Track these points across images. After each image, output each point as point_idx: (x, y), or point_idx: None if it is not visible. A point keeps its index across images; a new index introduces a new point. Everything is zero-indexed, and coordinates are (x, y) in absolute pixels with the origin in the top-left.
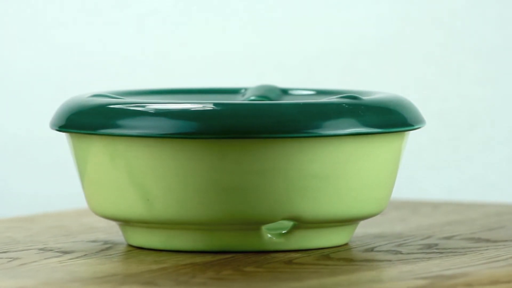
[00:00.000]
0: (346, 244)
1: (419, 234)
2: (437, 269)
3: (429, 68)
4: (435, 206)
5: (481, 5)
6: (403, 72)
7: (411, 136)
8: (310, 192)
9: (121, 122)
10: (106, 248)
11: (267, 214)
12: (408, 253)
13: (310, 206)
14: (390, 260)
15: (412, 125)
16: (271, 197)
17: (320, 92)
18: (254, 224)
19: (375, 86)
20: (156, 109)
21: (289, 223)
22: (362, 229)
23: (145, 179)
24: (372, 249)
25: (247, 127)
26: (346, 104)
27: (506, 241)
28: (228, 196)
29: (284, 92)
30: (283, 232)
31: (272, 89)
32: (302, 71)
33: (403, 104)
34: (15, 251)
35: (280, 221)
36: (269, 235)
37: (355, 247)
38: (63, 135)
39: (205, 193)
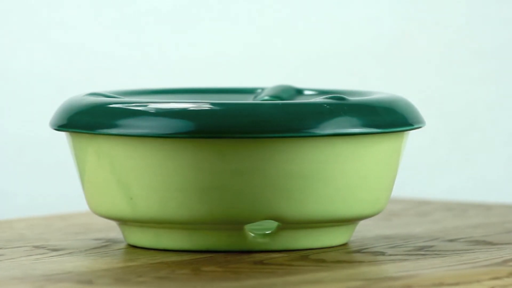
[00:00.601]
0: (344, 245)
1: (427, 236)
2: (393, 270)
3: (429, 68)
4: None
5: (481, 5)
6: (403, 72)
7: (411, 136)
8: (291, 192)
9: (103, 121)
10: (100, 246)
11: (247, 214)
12: (391, 255)
13: (291, 206)
14: (362, 262)
15: (411, 125)
16: (250, 197)
17: (331, 93)
18: (235, 224)
19: (375, 86)
20: (135, 109)
21: (273, 224)
22: (383, 229)
23: (128, 178)
24: (359, 251)
25: (224, 127)
26: (327, 104)
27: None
28: (208, 196)
29: (299, 92)
30: (267, 232)
31: (286, 89)
32: (302, 71)
33: (402, 104)
34: (10, 248)
35: (263, 221)
36: (252, 235)
37: (346, 248)
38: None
39: (185, 192)
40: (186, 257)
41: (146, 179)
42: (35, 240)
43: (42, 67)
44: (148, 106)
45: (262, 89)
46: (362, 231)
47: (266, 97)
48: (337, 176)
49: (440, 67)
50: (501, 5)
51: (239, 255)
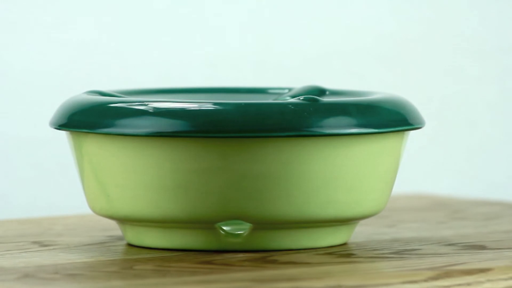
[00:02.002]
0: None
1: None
2: (335, 271)
3: (429, 68)
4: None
5: (481, 6)
6: (403, 72)
7: (411, 136)
8: (254, 192)
9: (83, 119)
10: (97, 242)
11: (210, 213)
12: (361, 257)
13: (258, 206)
14: (317, 263)
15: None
16: (213, 196)
17: (355, 94)
18: (201, 223)
19: (376, 86)
20: (108, 107)
21: (245, 224)
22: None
23: (103, 176)
24: (331, 253)
25: (185, 126)
26: (292, 105)
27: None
28: (174, 195)
29: (322, 92)
30: (237, 232)
31: (311, 89)
32: (302, 71)
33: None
34: (6, 243)
35: (234, 221)
36: (225, 235)
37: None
38: (64, 135)
39: (152, 191)
40: (164, 254)
41: (118, 177)
42: (31, 236)
43: (42, 67)
44: (125, 106)
45: (289, 89)
46: (363, 231)
47: (287, 98)
48: (304, 176)
49: (440, 67)
50: (501, 5)
51: (205, 254)
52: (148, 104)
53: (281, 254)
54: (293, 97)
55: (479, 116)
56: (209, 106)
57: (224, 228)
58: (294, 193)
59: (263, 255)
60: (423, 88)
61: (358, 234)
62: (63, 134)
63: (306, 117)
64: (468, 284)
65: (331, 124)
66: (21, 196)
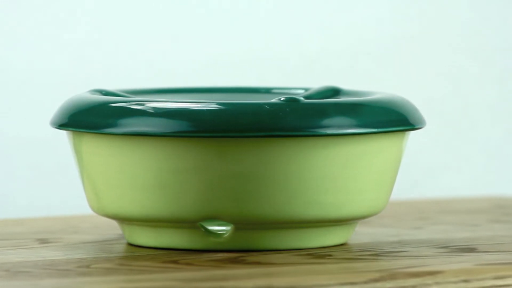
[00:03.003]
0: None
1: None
2: (301, 271)
3: (430, 69)
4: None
5: (481, 6)
6: (403, 72)
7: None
8: (232, 192)
9: (75, 118)
10: (96, 240)
11: (190, 213)
12: (343, 258)
13: (234, 206)
14: (281, 264)
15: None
16: (188, 195)
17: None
18: (179, 222)
19: (376, 86)
20: (92, 107)
21: (227, 224)
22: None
23: (93, 175)
24: (310, 254)
25: (159, 126)
26: (268, 105)
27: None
28: (152, 194)
29: (336, 92)
30: (219, 232)
31: (325, 90)
32: (302, 71)
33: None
34: (4, 240)
35: (217, 221)
36: (207, 235)
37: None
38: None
39: (134, 190)
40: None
41: (103, 176)
42: (30, 234)
43: (43, 67)
44: (105, 106)
45: (306, 89)
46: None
47: (301, 98)
48: (283, 177)
49: (440, 67)
50: (501, 5)
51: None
52: (124, 104)
53: (257, 254)
54: (307, 97)
55: (479, 116)
56: (187, 106)
57: (207, 227)
58: (274, 194)
59: (238, 255)
60: (424, 88)
61: (366, 235)
62: (63, 134)
63: (280, 118)
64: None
65: (306, 125)
66: (21, 196)
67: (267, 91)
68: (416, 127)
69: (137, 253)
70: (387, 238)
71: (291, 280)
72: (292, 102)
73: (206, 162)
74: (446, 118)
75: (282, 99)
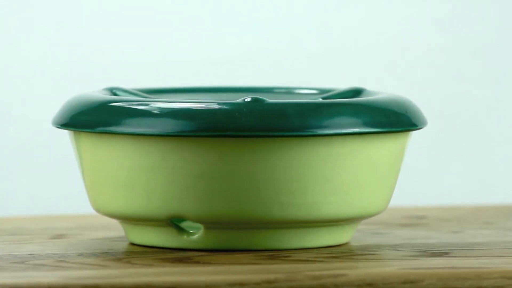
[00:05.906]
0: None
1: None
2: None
3: (430, 69)
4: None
5: (481, 5)
6: (403, 72)
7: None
8: (195, 191)
9: (72, 117)
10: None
11: (154, 211)
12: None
13: (195, 205)
14: (246, 263)
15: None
16: (155, 194)
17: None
18: (149, 221)
19: (376, 86)
20: (84, 104)
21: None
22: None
23: (91, 173)
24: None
25: (122, 126)
26: (227, 105)
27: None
28: (124, 192)
29: (358, 93)
30: (192, 231)
31: (348, 90)
32: (302, 71)
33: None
34: (4, 235)
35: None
36: (184, 234)
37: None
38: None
39: (108, 187)
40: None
41: (90, 173)
42: (27, 231)
43: (43, 67)
44: (86, 104)
45: (329, 90)
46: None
47: (319, 99)
48: (246, 176)
49: (440, 67)
50: (501, 5)
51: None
52: (99, 102)
53: (225, 254)
54: (325, 98)
55: (479, 116)
56: (148, 108)
57: (179, 225)
58: (237, 193)
59: (207, 254)
60: (424, 88)
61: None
62: (64, 134)
63: (236, 118)
64: None
65: (262, 126)
66: (20, 196)
67: (288, 91)
68: (418, 127)
69: (137, 251)
70: (387, 238)
71: (238, 276)
72: (255, 102)
73: (167, 161)
74: (446, 118)
75: (246, 99)
